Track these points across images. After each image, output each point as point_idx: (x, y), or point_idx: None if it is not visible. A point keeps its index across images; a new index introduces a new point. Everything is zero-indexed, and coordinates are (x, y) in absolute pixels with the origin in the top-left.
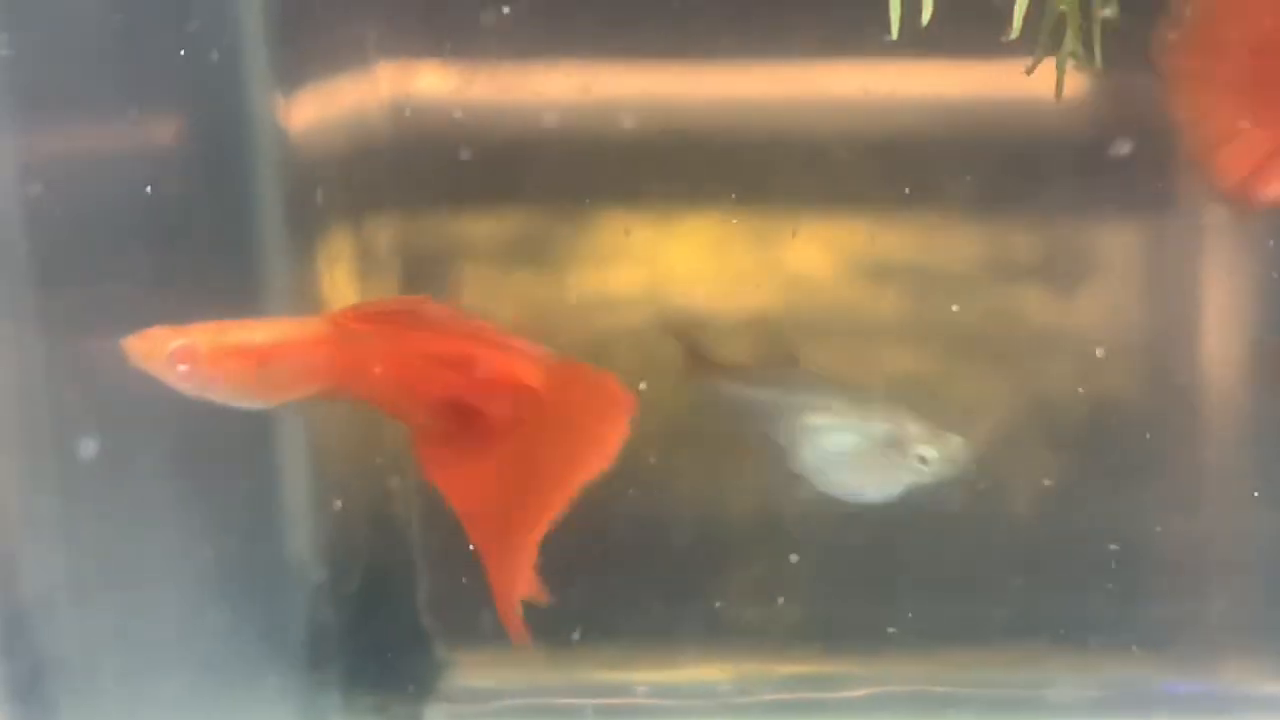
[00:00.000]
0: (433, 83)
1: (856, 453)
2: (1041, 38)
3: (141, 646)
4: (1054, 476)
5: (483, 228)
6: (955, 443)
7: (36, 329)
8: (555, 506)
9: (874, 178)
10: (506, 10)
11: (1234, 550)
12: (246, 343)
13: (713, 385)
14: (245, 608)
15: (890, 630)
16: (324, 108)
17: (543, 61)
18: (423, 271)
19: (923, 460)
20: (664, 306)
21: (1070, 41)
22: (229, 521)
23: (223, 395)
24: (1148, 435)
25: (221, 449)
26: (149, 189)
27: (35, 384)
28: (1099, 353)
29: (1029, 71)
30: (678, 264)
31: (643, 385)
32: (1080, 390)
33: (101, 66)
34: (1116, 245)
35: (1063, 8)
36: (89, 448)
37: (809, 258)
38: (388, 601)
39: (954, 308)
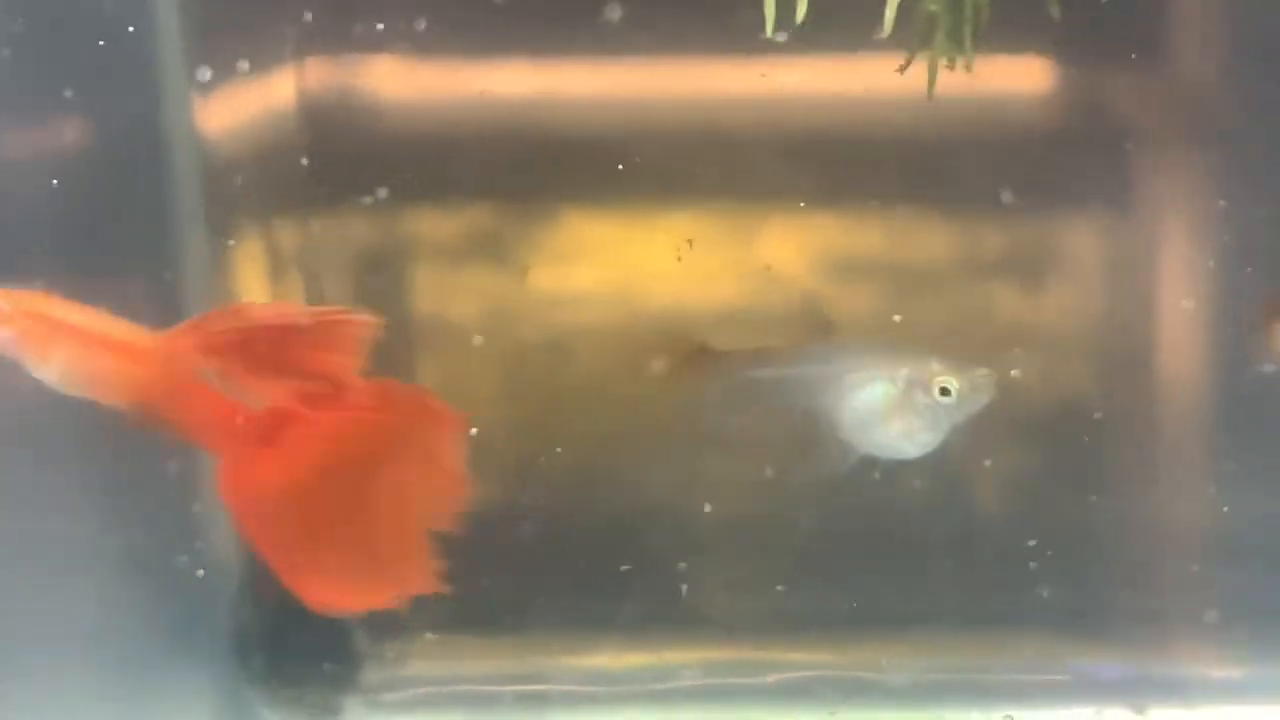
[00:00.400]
0: (368, 75)
1: (887, 403)
2: (913, 37)
3: (51, 641)
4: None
5: (427, 225)
6: (979, 374)
7: None
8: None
9: (846, 175)
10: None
11: (1202, 537)
12: (62, 320)
13: (740, 376)
14: (161, 600)
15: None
16: (244, 102)
17: (492, 54)
18: (355, 271)
19: (944, 392)
20: (632, 306)
21: (941, 41)
22: (141, 512)
23: (30, 365)
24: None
25: (134, 434)
26: (54, 183)
27: None
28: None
29: (901, 71)
30: (645, 262)
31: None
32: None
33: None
34: (1085, 239)
35: (933, 8)
36: None
37: (781, 254)
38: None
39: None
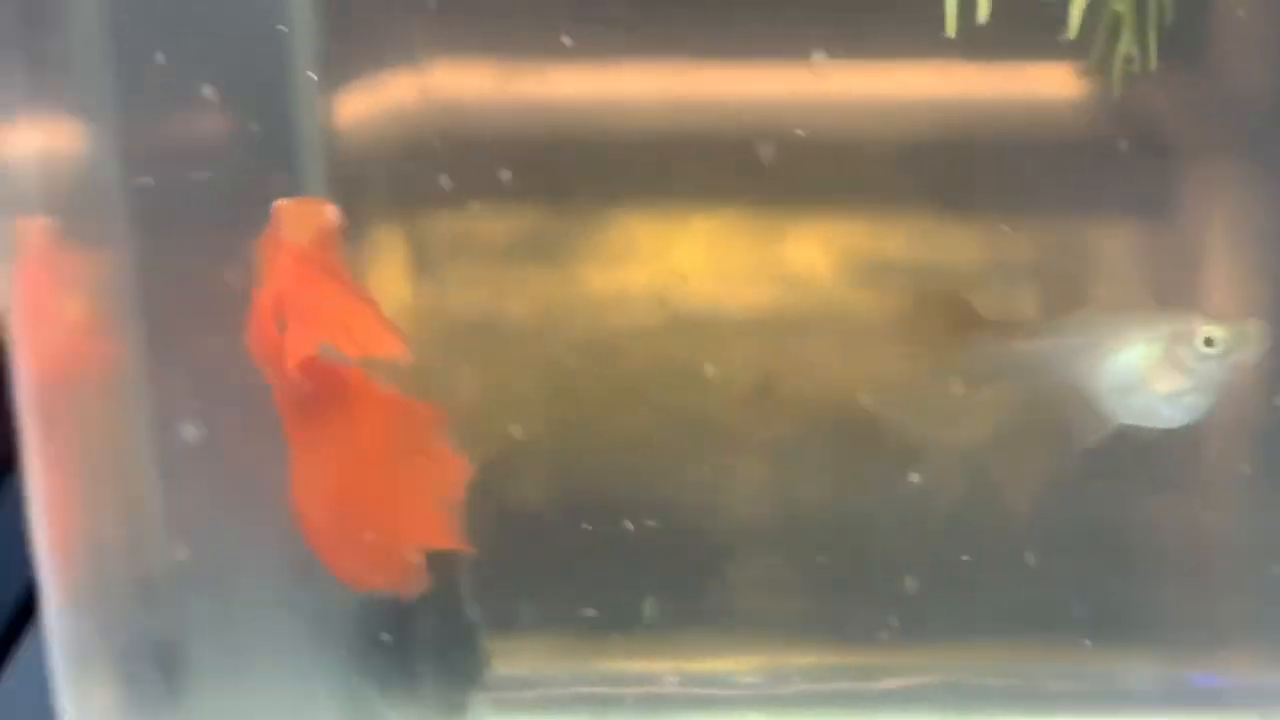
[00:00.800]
0: (466, 81)
1: (1148, 365)
2: (1097, 39)
3: (229, 637)
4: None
5: (499, 225)
6: (1248, 323)
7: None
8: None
9: (887, 178)
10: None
11: (1239, 544)
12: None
13: (995, 347)
14: (299, 600)
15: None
16: (363, 103)
17: (570, 59)
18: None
19: (1209, 343)
20: (676, 306)
21: (1125, 43)
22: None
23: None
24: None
25: None
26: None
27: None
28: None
29: (1086, 75)
30: (687, 262)
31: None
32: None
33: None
34: (1116, 245)
35: (1119, 8)
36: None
37: (811, 257)
38: (433, 593)
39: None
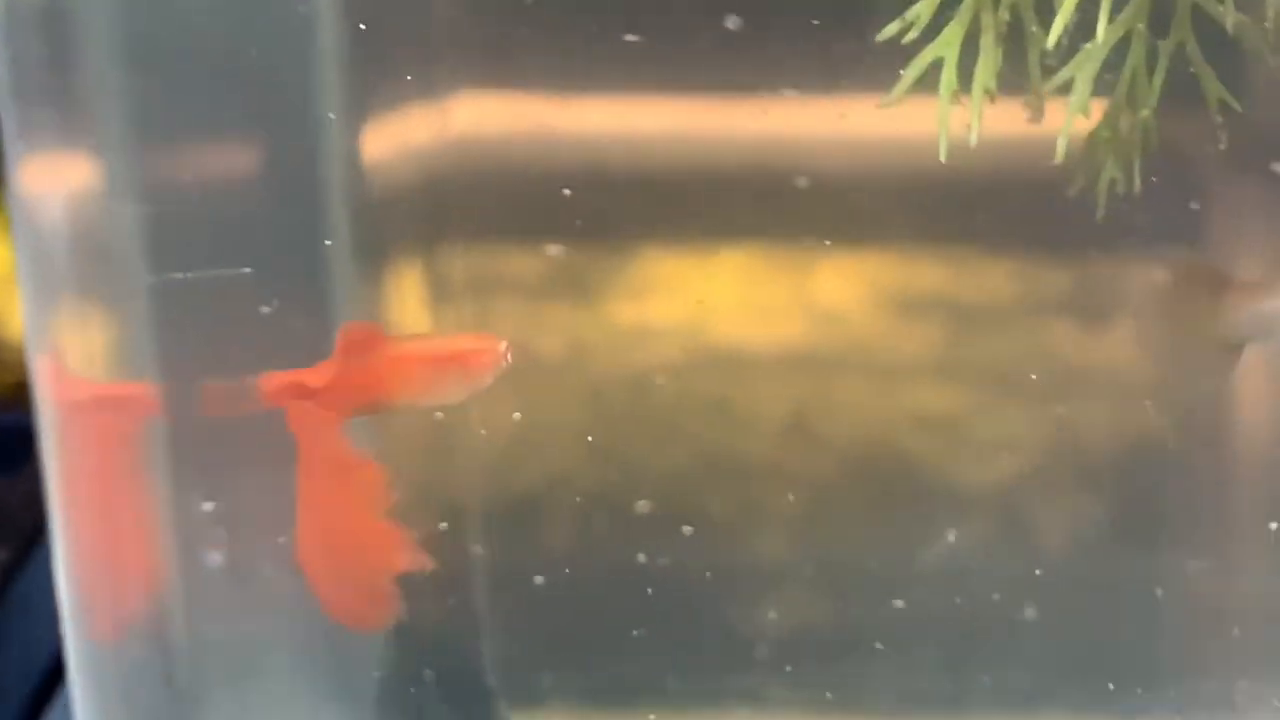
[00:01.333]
0: (488, 116)
1: None
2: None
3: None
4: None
5: (525, 261)
6: None
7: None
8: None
9: (907, 214)
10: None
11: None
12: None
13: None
14: (318, 653)
15: None
16: (386, 138)
17: (594, 95)
18: (469, 303)
19: None
20: (702, 338)
21: (1110, 169)
22: None
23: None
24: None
25: None
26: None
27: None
28: None
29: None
30: (713, 297)
31: None
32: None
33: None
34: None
35: (1105, 135)
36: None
37: (840, 292)
38: (453, 659)
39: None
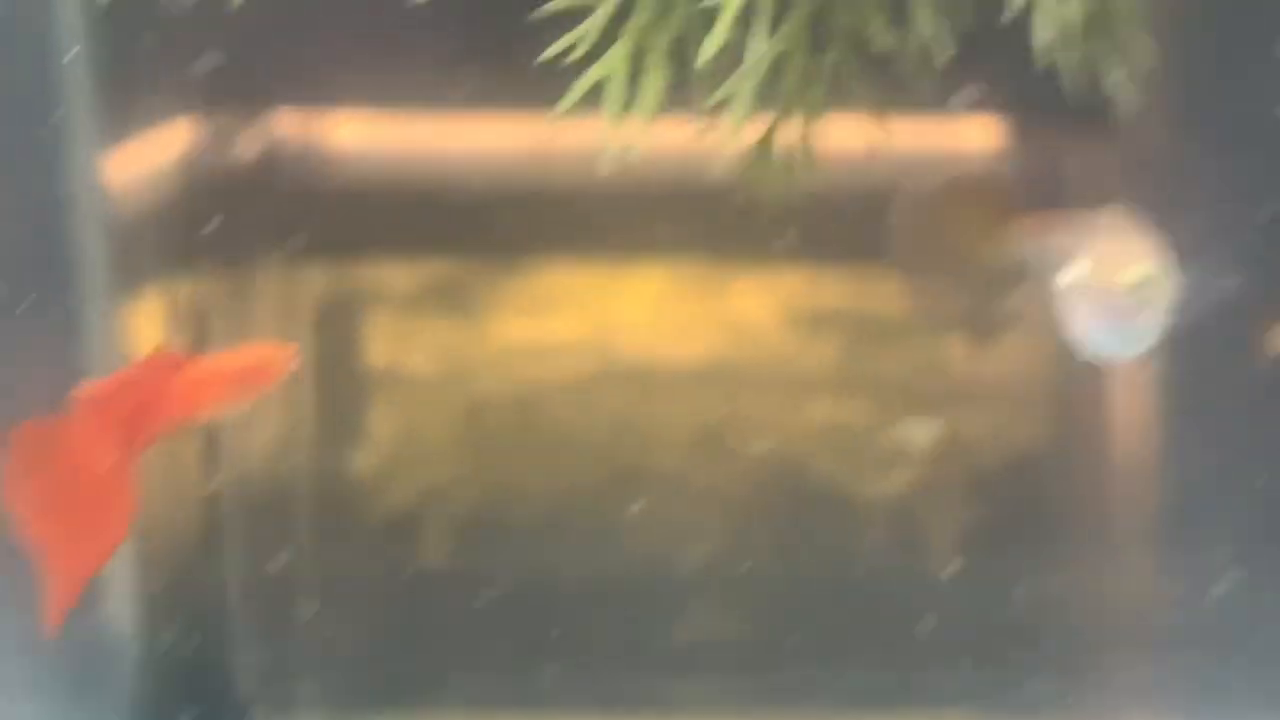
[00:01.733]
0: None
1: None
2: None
3: None
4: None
5: (392, 274)
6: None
7: None
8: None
9: (813, 229)
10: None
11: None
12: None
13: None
14: (64, 680)
15: None
16: (156, 158)
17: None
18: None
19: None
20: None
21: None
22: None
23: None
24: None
25: None
26: None
27: None
28: None
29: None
30: (616, 314)
31: None
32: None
33: None
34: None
35: None
36: None
37: (749, 308)
38: (207, 670)
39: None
